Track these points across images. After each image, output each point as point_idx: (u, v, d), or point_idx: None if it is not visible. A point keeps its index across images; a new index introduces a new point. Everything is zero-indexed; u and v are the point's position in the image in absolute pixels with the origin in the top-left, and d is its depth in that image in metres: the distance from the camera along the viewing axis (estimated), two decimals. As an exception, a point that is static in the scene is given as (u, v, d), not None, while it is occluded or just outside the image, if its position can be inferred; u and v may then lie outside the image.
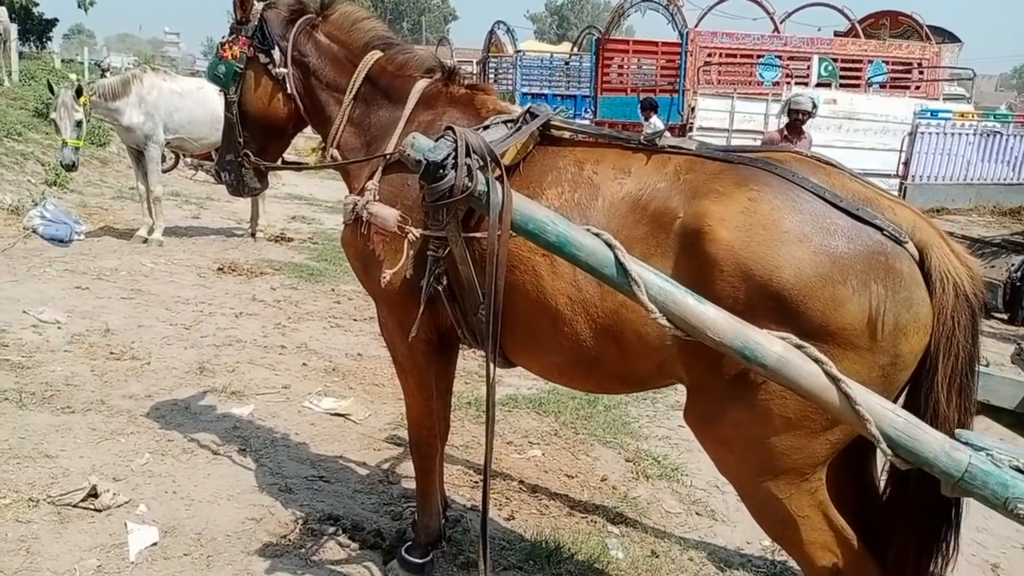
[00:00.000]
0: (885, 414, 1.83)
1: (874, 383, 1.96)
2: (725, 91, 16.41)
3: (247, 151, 3.14)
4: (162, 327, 5.71)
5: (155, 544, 3.07)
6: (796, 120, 8.31)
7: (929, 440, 1.81)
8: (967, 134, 14.12)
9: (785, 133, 8.47)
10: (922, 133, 11.08)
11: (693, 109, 15.80)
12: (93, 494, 3.30)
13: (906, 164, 10.94)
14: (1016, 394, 2.82)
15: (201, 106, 8.37)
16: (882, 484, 2.28)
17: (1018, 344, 3.24)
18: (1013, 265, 8.73)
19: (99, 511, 3.26)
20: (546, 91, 21.94)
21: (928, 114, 13.74)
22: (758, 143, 10.22)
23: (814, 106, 8.42)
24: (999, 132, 14.78)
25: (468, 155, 2.09)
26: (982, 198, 14.88)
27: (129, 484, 3.50)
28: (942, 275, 2.00)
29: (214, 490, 3.51)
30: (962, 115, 15.10)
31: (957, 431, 1.92)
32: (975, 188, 14.73)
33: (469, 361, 5.37)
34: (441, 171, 2.07)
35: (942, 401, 2.04)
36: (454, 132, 2.12)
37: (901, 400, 2.16)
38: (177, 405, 4.39)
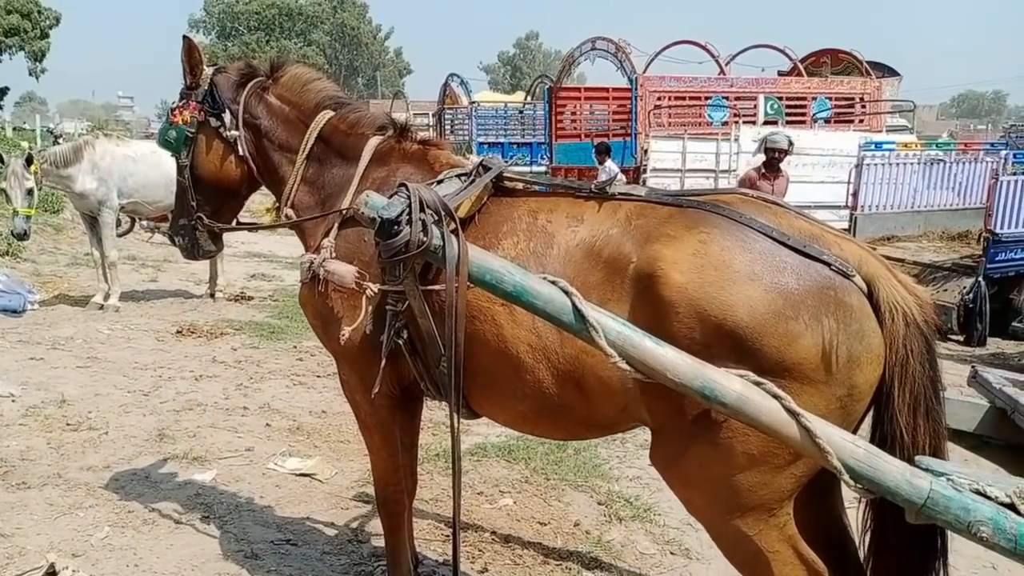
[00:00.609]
0: (846, 446, 1.86)
1: (832, 415, 1.99)
2: (676, 133, 16.76)
3: (200, 214, 3.14)
4: (120, 395, 5.59)
5: (117, 622, 2.97)
6: (773, 158, 8.42)
7: (890, 469, 1.84)
8: (911, 163, 14.56)
9: (763, 171, 8.48)
10: (868, 164, 11.42)
11: (646, 151, 16.08)
12: (51, 572, 3.19)
13: (855, 195, 11.25)
14: (974, 416, 2.90)
15: (156, 170, 8.32)
16: (866, 514, 2.29)
17: (973, 367, 3.32)
18: (964, 288, 8.95)
19: (58, 590, 3.15)
20: (502, 140, 22.21)
21: (873, 146, 14.16)
22: (732, 183, 10.35)
23: (790, 144, 8.55)
24: (942, 160, 15.28)
25: (422, 210, 2.12)
26: (930, 224, 15.29)
27: (89, 560, 3.39)
28: (891, 306, 2.06)
29: (177, 561, 3.42)
30: (905, 145, 15.58)
31: (917, 458, 1.96)
32: (923, 215, 15.14)
33: (436, 412, 5.32)
34: (396, 227, 2.09)
35: (907, 427, 2.08)
36: (407, 188, 2.15)
37: (866, 431, 2.20)
38: (137, 475, 4.28)
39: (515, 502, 4.25)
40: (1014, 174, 10.60)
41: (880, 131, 18.44)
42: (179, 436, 4.86)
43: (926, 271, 9.35)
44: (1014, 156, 12.19)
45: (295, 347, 7.22)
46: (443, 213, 2.17)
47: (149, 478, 4.25)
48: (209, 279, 9.32)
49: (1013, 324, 8.35)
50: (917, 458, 1.95)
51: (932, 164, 14.47)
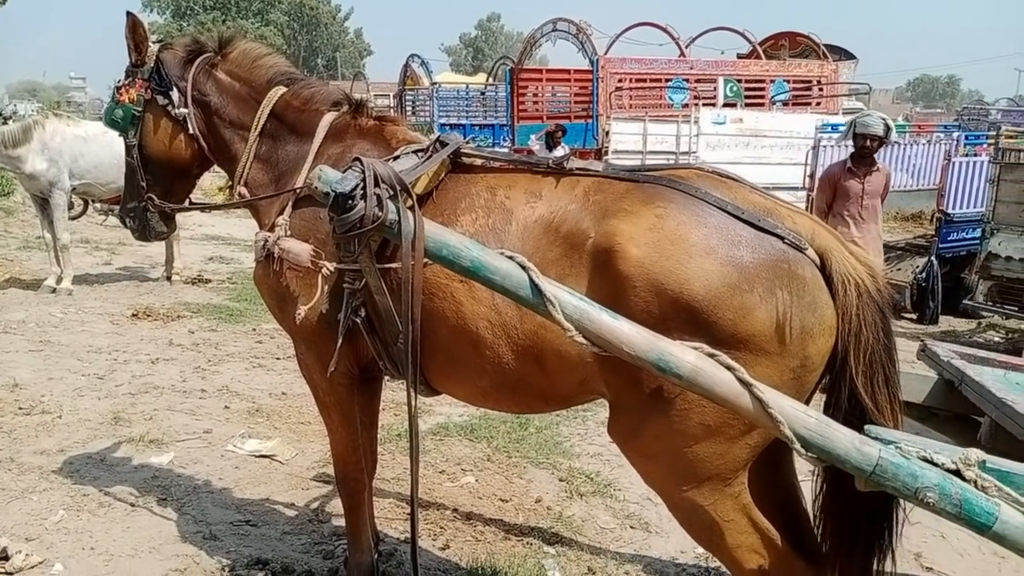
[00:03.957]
0: (797, 415, 1.89)
1: (786, 386, 2.03)
2: (637, 115, 16.81)
3: (151, 195, 3.08)
4: (74, 378, 5.48)
5: (72, 605, 2.93)
6: (864, 148, 6.47)
7: (840, 438, 1.88)
8: (838, 145, 14.77)
9: (850, 166, 6.63)
10: (824, 146, 11.52)
11: (608, 133, 16.11)
12: (3, 556, 3.13)
13: (811, 176, 11.35)
14: (923, 388, 2.96)
15: (108, 150, 8.12)
16: (819, 484, 2.34)
17: (923, 341, 3.39)
18: (917, 267, 9.16)
19: (11, 574, 3.09)
20: (464, 121, 22.04)
21: (829, 128, 14.34)
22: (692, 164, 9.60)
23: (888, 129, 6.43)
24: (897, 142, 15.52)
25: (377, 185, 2.10)
26: (885, 205, 15.55)
27: (43, 543, 3.34)
28: (843, 277, 2.09)
29: (134, 543, 3.37)
30: (861, 128, 15.79)
31: (867, 427, 2.00)
32: (878, 196, 15.40)
33: (398, 393, 5.29)
34: (350, 202, 2.06)
35: (865, 395, 2.11)
36: (362, 163, 2.12)
37: (820, 401, 2.24)
38: (92, 458, 4.21)
39: (477, 480, 4.27)
40: (966, 155, 10.81)
41: (837, 113, 18.67)
42: (135, 419, 4.79)
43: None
44: (966, 138, 12.41)
45: (254, 329, 7.13)
46: (398, 188, 2.15)
47: (104, 461, 4.18)
48: (165, 262, 9.16)
49: (964, 302, 8.55)
50: (866, 427, 1.99)
51: (887, 146, 14.67)
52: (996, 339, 8.67)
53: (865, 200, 6.61)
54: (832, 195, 6.71)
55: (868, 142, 6.44)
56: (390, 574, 3.25)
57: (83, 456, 4.23)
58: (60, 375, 5.54)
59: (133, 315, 7.34)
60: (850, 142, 6.75)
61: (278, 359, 6.28)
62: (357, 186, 2.06)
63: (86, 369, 5.71)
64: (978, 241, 8.47)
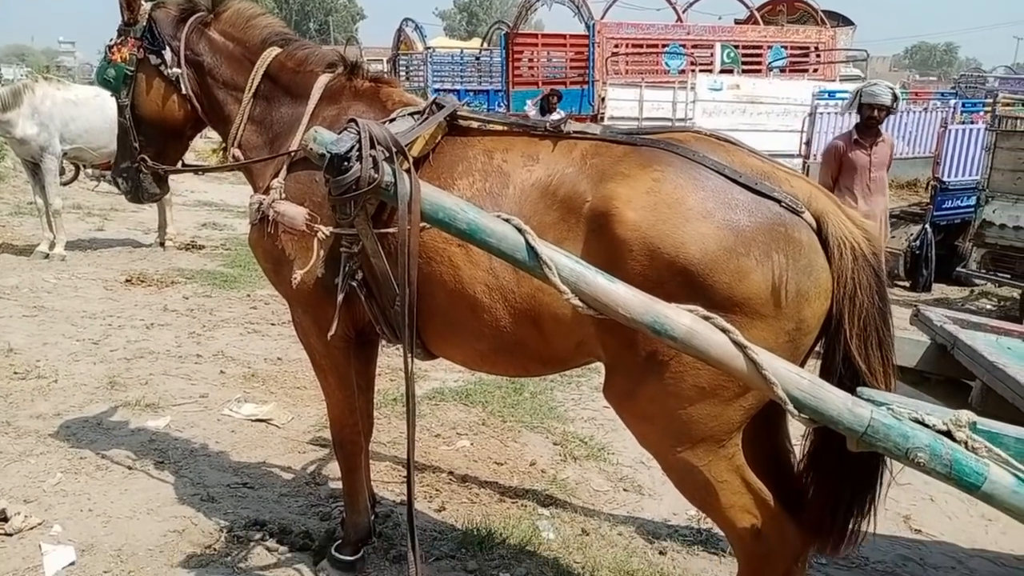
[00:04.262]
0: (791, 377, 1.90)
1: (781, 349, 2.04)
2: (633, 81, 16.69)
3: (144, 156, 3.05)
4: (68, 343, 5.48)
5: (73, 564, 2.96)
6: (871, 118, 6.24)
7: (833, 399, 1.90)
8: (843, 113, 14.70)
9: (856, 137, 6.39)
10: (821, 113, 11.47)
11: (603, 99, 16.00)
12: (3, 518, 3.16)
13: (808, 143, 11.33)
14: (916, 353, 2.98)
15: (99, 114, 8.05)
16: (808, 446, 2.36)
17: (915, 307, 3.41)
18: (912, 235, 9.18)
19: (10, 535, 3.12)
20: (458, 87, 21.85)
21: (826, 95, 14.26)
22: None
23: (895, 99, 6.24)
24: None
25: (373, 147, 2.08)
26: (882, 173, 15.54)
27: (41, 505, 3.36)
28: (839, 241, 2.10)
29: (132, 505, 3.40)
30: (858, 94, 15.72)
31: (859, 389, 2.01)
32: (873, 164, 15.36)
33: (394, 359, 5.32)
34: (346, 164, 2.05)
35: (859, 357, 2.13)
36: (357, 124, 2.11)
37: (817, 364, 2.26)
38: (88, 422, 4.22)
39: (472, 444, 4.30)
40: (962, 123, 10.77)
41: (834, 80, 18.59)
42: (131, 384, 4.80)
43: (875, 218, 9.52)
44: (963, 106, 12.36)
45: (248, 295, 7.13)
46: (395, 150, 2.13)
47: (101, 425, 4.20)
48: (158, 228, 9.12)
49: (957, 269, 8.58)
50: (859, 389, 2.01)
51: (893, 115, 14.60)
52: (988, 307, 8.73)
53: (873, 172, 6.41)
54: (838, 169, 6.45)
55: (875, 112, 6.22)
56: (386, 535, 3.29)
57: (79, 420, 4.25)
58: (55, 340, 5.54)
59: (127, 281, 7.32)
60: (855, 112, 6.49)
61: (273, 325, 6.28)
62: (353, 148, 2.05)
63: (80, 334, 5.70)
64: (972, 209, 8.47)
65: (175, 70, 2.94)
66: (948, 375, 2.99)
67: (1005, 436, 1.95)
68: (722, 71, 17.42)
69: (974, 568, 3.60)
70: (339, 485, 3.33)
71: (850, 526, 2.32)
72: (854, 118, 6.72)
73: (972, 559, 3.68)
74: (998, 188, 7.94)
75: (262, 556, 3.11)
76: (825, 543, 2.36)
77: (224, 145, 3.04)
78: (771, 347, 1.97)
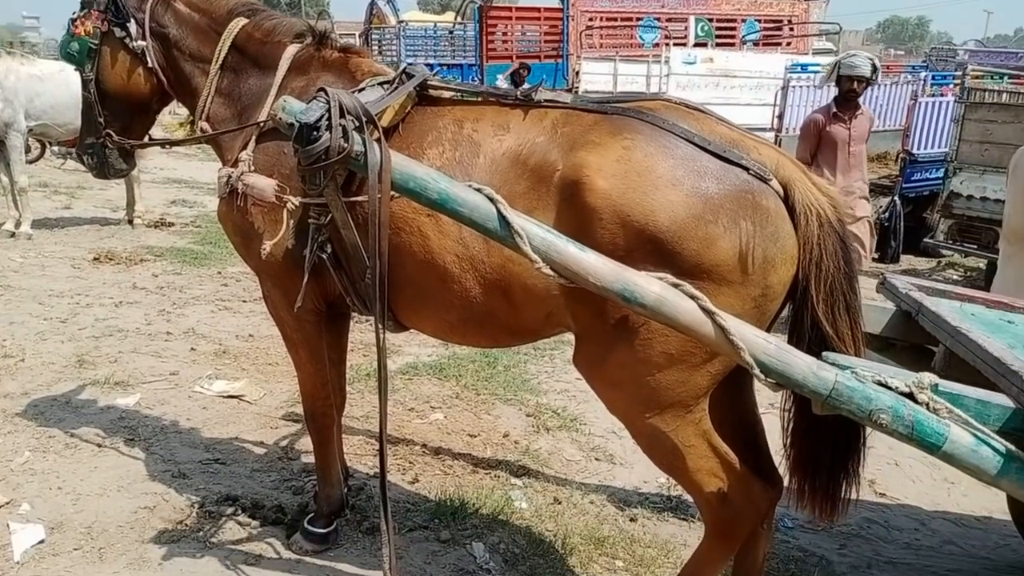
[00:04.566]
0: (757, 342, 1.93)
1: (748, 314, 2.06)
2: (608, 55, 16.63)
3: (109, 131, 3.00)
4: (36, 322, 5.40)
5: (42, 542, 2.94)
6: (850, 91, 6.10)
7: (798, 363, 1.93)
8: (821, 86, 14.78)
9: (835, 111, 6.20)
10: (793, 87, 11.49)
11: (578, 73, 15.93)
12: (-31, 498, 3.12)
13: (780, 117, 11.36)
14: (881, 319, 3.02)
15: (64, 89, 7.87)
16: (790, 412, 2.40)
17: (882, 275, 3.46)
18: (881, 207, 9.27)
19: (-22, 515, 3.09)
20: (431, 61, 21.56)
21: (798, 68, 14.31)
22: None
23: (875, 70, 6.06)
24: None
25: (343, 116, 2.06)
26: (850, 146, 15.64)
27: (9, 484, 3.33)
28: (805, 208, 2.12)
29: (102, 483, 3.38)
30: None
31: (824, 353, 2.05)
32: (844, 138, 15.46)
33: (366, 334, 5.31)
34: (315, 133, 2.03)
35: (826, 322, 2.16)
36: (327, 93, 2.08)
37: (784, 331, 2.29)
38: (56, 400, 4.18)
39: (446, 416, 4.32)
40: (932, 96, 10.87)
41: (807, 54, 18.65)
42: (99, 362, 4.74)
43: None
44: (932, 78, 12.45)
45: (219, 273, 7.06)
46: (364, 120, 2.11)
47: (70, 403, 4.15)
48: (126, 205, 8.97)
49: (925, 240, 8.71)
50: (824, 354, 2.04)
51: (872, 87, 14.69)
52: (955, 277, 8.88)
53: (852, 147, 6.29)
54: (816, 144, 6.30)
55: (855, 84, 6.07)
56: (360, 507, 3.30)
57: (47, 399, 4.20)
58: (21, 319, 5.45)
59: (95, 259, 7.21)
60: (833, 84, 6.35)
61: (244, 302, 6.23)
62: (322, 117, 2.02)
63: (48, 313, 5.62)
64: (941, 181, 8.58)
65: (140, 43, 2.89)
66: (913, 341, 3.04)
67: (966, 398, 1.99)
68: (696, 45, 17.40)
69: (936, 529, 3.70)
70: (312, 460, 3.33)
71: (839, 490, 2.36)
72: (832, 91, 6.72)
73: (934, 520, 3.78)
74: (966, 160, 8.04)
75: (234, 530, 3.11)
76: (811, 508, 2.41)
77: (192, 118, 2.99)
78: (738, 313, 2.00)
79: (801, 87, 11.58)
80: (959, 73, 9.57)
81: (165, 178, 12.40)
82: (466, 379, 4.83)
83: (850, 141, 6.28)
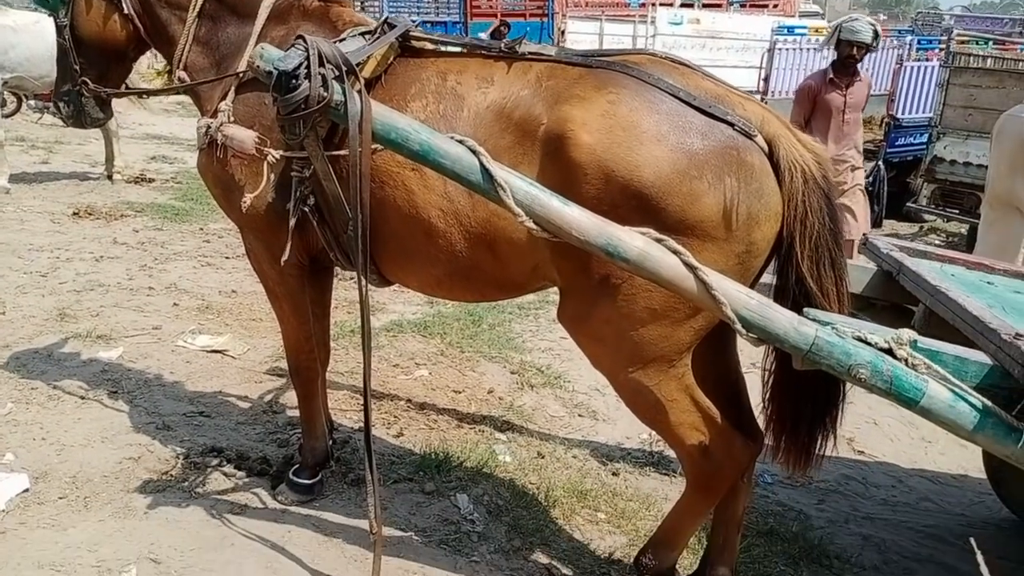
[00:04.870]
0: (739, 297, 1.95)
1: (731, 271, 2.08)
2: (593, 14, 16.45)
3: (85, 78, 2.94)
4: (15, 276, 5.34)
5: (27, 491, 2.94)
6: (850, 56, 5.94)
7: (779, 318, 1.95)
8: (820, 49, 14.72)
9: (831, 76, 6.08)
10: (780, 49, 11.43)
11: (563, 33, 15.76)
12: (-48, 449, 3.12)
13: (766, 80, 11.32)
14: (862, 279, 3.06)
15: (40, 41, 7.67)
16: (771, 366, 2.43)
17: (864, 235, 3.49)
18: (865, 172, 9.30)
19: (-40, 465, 3.09)
20: (415, 18, 21.33)
21: (785, 30, 14.23)
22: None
23: (876, 36, 5.90)
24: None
25: (322, 64, 2.03)
26: (836, 111, 15.64)
27: (-8, 435, 3.32)
28: (790, 164, 2.12)
29: (86, 434, 3.37)
30: (816, 30, 15.70)
31: (805, 309, 2.07)
32: (830, 101, 15.44)
33: (351, 292, 5.31)
34: (294, 82, 2.00)
35: (811, 278, 2.17)
36: (305, 41, 2.05)
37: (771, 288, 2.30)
38: (38, 353, 4.15)
39: (430, 373, 4.34)
40: (917, 60, 10.85)
41: (793, 16, 18.54)
42: (81, 316, 4.71)
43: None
44: (918, 43, 12.43)
45: (201, 229, 6.99)
46: (344, 68, 2.08)
47: (52, 356, 4.12)
48: (105, 160, 8.82)
49: (908, 204, 8.76)
50: (805, 310, 2.06)
51: (871, 53, 14.65)
52: (937, 242, 8.96)
53: (847, 113, 6.14)
54: (811, 109, 6.19)
55: (854, 50, 5.89)
56: (344, 459, 3.33)
57: (29, 351, 4.17)
58: (1, 273, 5.39)
59: (74, 214, 7.11)
60: (832, 49, 6.15)
61: (227, 258, 6.19)
62: (301, 64, 2.00)
63: (28, 267, 5.55)
64: (925, 146, 8.61)
65: None
66: (893, 301, 3.08)
67: (944, 354, 2.02)
68: (683, 5, 17.24)
69: (913, 486, 3.78)
70: (296, 414, 3.34)
71: (814, 445, 2.40)
72: (820, 55, 6.66)
73: (912, 478, 3.86)
74: (950, 124, 8.07)
75: (219, 481, 3.13)
76: (786, 462, 2.45)
77: (169, 68, 2.93)
78: (721, 269, 2.01)
79: (787, 50, 11.53)
80: (945, 38, 9.53)
81: (144, 134, 12.21)
82: (451, 337, 4.84)
83: (845, 108, 6.14)
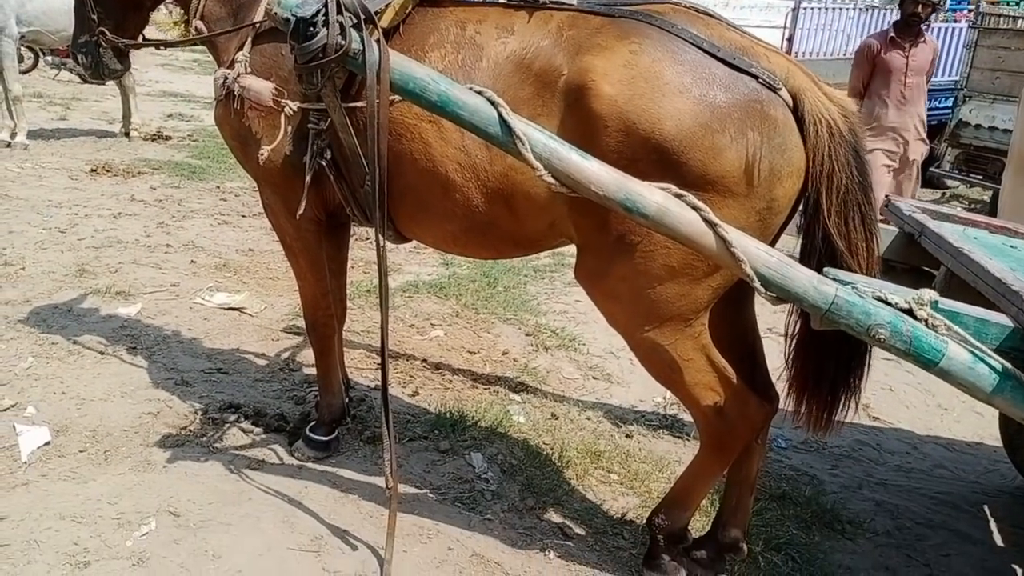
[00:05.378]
0: (759, 255, 1.92)
1: (751, 227, 2.05)
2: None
3: (102, 29, 2.92)
4: (35, 232, 5.37)
5: (48, 444, 2.98)
6: (914, 14, 5.64)
7: (799, 276, 1.92)
8: (847, 8, 14.42)
9: (892, 35, 5.76)
10: (804, 9, 11.23)
11: None
12: (-27, 400, 3.16)
13: (790, 40, 11.12)
14: (884, 241, 3.02)
15: (56, -5, 7.67)
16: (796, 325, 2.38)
17: (886, 197, 3.43)
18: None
19: (-17, 416, 3.13)
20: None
21: (810, -10, 13.94)
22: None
23: None
24: (875, 6, 15.16)
25: (340, 12, 2.00)
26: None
27: (14, 388, 3.35)
28: (815, 118, 2.07)
29: (106, 388, 3.41)
30: (843, -10, 15.38)
31: (825, 269, 2.04)
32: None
33: (367, 252, 5.31)
34: (311, 29, 1.97)
35: (839, 234, 2.13)
36: (323, -12, 2.02)
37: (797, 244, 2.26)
38: (58, 308, 4.18)
39: (446, 334, 4.34)
40: (945, 21, 10.61)
41: (819, -25, 18.13)
42: (100, 272, 4.74)
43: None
44: (948, 2, 12.15)
45: (218, 187, 6.99)
46: (363, 17, 2.05)
47: (71, 312, 4.16)
48: (122, 117, 8.82)
49: (931, 169, 8.61)
50: (825, 269, 2.04)
51: (867, 11, 14.36)
52: (960, 208, 8.81)
53: (909, 77, 5.75)
54: (870, 72, 5.82)
55: (919, 8, 5.58)
56: (361, 417, 3.35)
57: (49, 306, 4.21)
58: (20, 229, 5.42)
59: (92, 170, 7.13)
60: (896, 7, 5.98)
61: (244, 216, 6.19)
62: (319, 12, 1.97)
63: (47, 223, 5.58)
64: (950, 110, 8.44)
65: None
66: (913, 264, 3.04)
67: (965, 315, 2.00)
68: (706, -35, 16.92)
69: (927, 453, 3.77)
70: (313, 372, 3.36)
71: (837, 404, 2.37)
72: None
73: (926, 444, 3.84)
74: (976, 88, 7.90)
75: (237, 436, 3.16)
76: (807, 421, 2.42)
77: (186, 18, 2.91)
78: (741, 226, 1.99)
79: (813, 9, 11.30)
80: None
81: (161, 91, 12.18)
82: (466, 298, 4.84)
83: (907, 71, 5.75)
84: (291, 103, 2.44)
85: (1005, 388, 1.90)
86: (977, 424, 4.01)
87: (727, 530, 2.60)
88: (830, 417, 2.38)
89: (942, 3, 5.73)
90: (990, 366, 1.89)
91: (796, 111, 2.08)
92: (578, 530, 2.81)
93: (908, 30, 5.74)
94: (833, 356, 2.29)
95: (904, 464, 3.64)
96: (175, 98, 11.79)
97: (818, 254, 2.15)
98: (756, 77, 2.04)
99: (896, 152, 5.76)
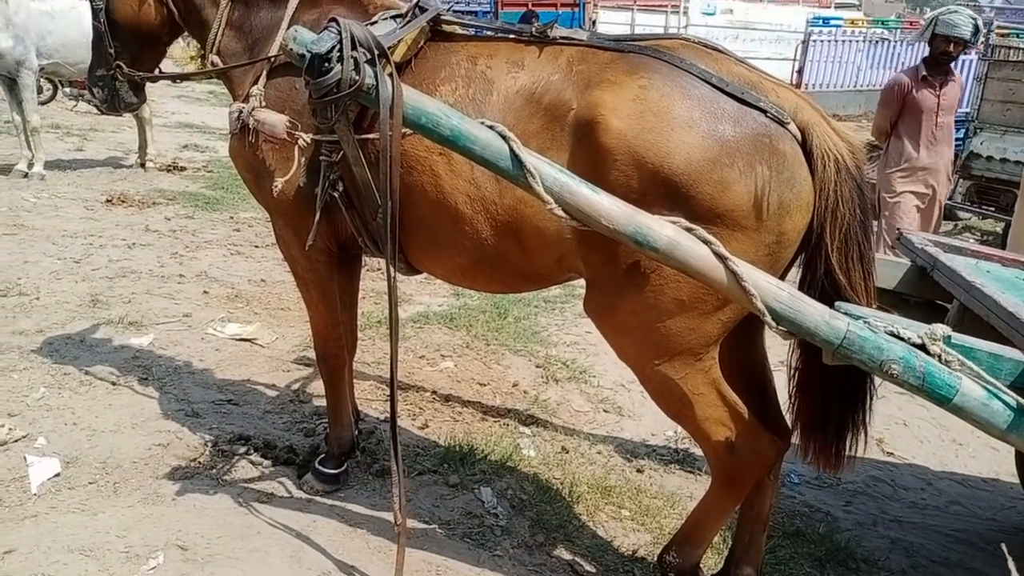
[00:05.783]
0: (770, 289, 1.91)
1: (761, 261, 2.04)
2: (625, 3, 16.34)
3: (119, 62, 2.97)
4: (49, 262, 5.42)
5: (58, 475, 2.98)
6: (945, 53, 5.38)
7: (810, 311, 1.91)
8: (857, 41, 14.52)
9: (923, 73, 5.47)
10: (814, 41, 11.32)
11: (594, 23, 15.69)
12: (-14, 431, 3.16)
13: (800, 72, 11.19)
14: (896, 275, 3.00)
15: (76, 28, 7.80)
16: (795, 366, 2.38)
17: (897, 229, 3.42)
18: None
19: (-5, 447, 3.14)
20: (445, 3, 21.32)
21: (820, 22, 14.05)
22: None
23: (976, 31, 5.33)
24: (887, 39, 15.26)
25: (354, 48, 2.03)
26: (871, 104, 15.27)
27: (25, 419, 3.36)
28: (823, 153, 2.08)
29: (117, 420, 3.41)
30: (852, 22, 15.49)
31: (837, 303, 2.03)
32: (864, 94, 15.19)
33: (378, 283, 5.33)
34: (326, 65, 2.00)
35: (840, 270, 2.13)
36: (338, 24, 2.05)
37: (795, 277, 2.27)
38: (71, 339, 4.21)
39: (456, 365, 4.33)
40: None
41: (829, 7, 18.29)
42: (113, 302, 4.77)
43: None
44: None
45: (232, 217, 7.05)
46: (376, 52, 2.08)
47: (84, 342, 4.18)
48: (138, 148, 8.94)
49: (944, 202, 8.58)
50: (836, 303, 2.02)
51: (876, 43, 14.46)
52: (972, 241, 8.77)
53: (940, 117, 5.51)
54: (899, 110, 5.58)
55: (951, 46, 5.32)
56: (370, 450, 3.33)
57: (62, 337, 4.23)
58: (35, 259, 5.48)
59: (107, 201, 7.21)
60: (926, 43, 5.55)
61: (257, 247, 6.23)
62: (333, 48, 1.99)
63: (62, 253, 5.64)
64: (961, 142, 8.44)
65: None
66: (926, 297, 3.01)
67: (978, 351, 1.98)
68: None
69: (942, 489, 3.71)
70: (323, 403, 3.35)
71: (843, 443, 2.36)
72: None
73: (941, 480, 3.79)
74: (987, 119, 7.90)
75: (246, 469, 3.15)
76: (816, 460, 2.40)
77: (202, 52, 2.96)
78: (751, 259, 1.98)
79: (823, 41, 11.39)
80: (984, 31, 9.32)
81: (177, 122, 12.34)
82: (476, 329, 4.84)
83: (938, 111, 5.53)
84: (305, 135, 2.47)
85: (1020, 425, 1.87)
86: (993, 460, 3.95)
87: (740, 568, 2.56)
88: (839, 456, 2.35)
89: (973, 42, 5.44)
90: (1004, 402, 1.87)
91: (804, 145, 2.08)
92: (588, 567, 2.77)
93: (938, 68, 5.53)
94: (836, 394, 2.28)
95: (919, 500, 3.58)
96: (191, 129, 11.94)
97: (819, 289, 2.14)
98: (765, 111, 2.05)
99: (926, 194, 5.65)
